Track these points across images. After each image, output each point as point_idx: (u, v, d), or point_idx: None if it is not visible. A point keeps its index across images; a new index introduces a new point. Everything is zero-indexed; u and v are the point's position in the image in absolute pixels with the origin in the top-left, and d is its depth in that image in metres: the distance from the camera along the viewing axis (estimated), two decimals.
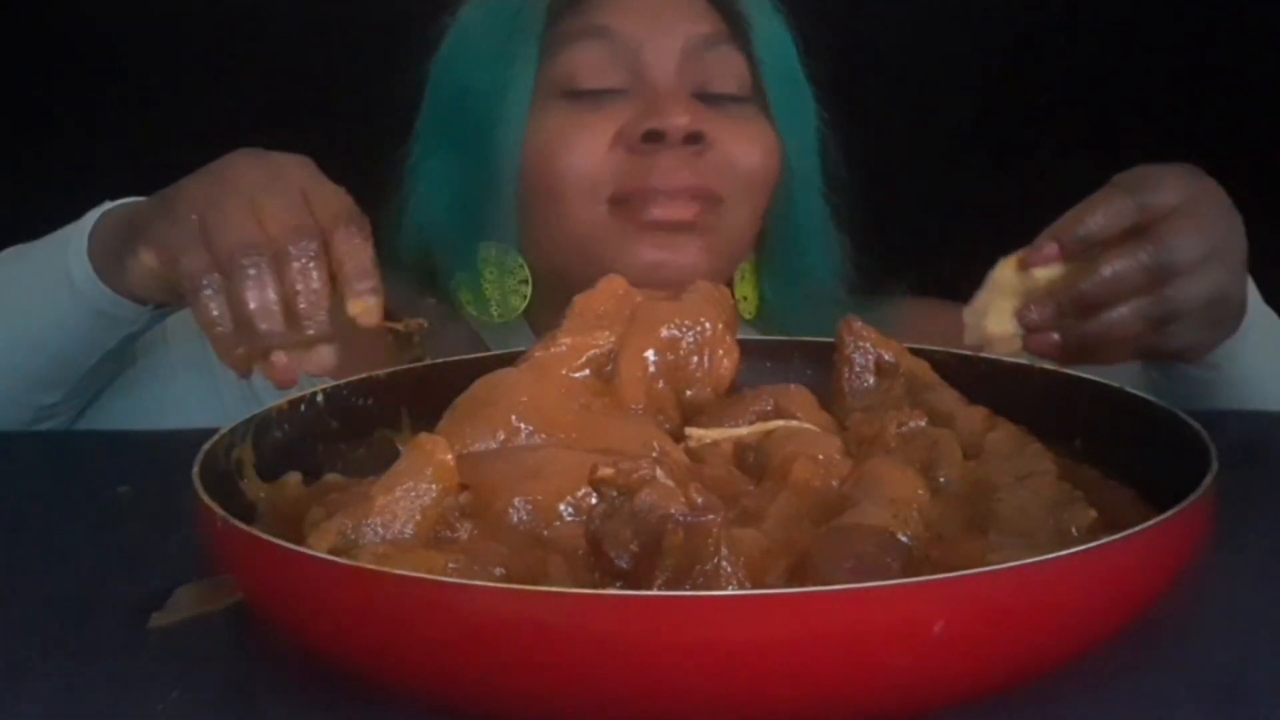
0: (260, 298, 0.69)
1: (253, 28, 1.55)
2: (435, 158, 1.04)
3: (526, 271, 1.01)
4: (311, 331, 0.70)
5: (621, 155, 0.95)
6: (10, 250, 0.92)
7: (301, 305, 0.69)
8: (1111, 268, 0.73)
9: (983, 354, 0.77)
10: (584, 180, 0.96)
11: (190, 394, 0.97)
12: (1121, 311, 0.74)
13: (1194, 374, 0.85)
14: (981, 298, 0.75)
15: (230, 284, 0.69)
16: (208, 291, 0.70)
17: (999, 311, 0.75)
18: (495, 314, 1.02)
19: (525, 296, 1.01)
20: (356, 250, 0.71)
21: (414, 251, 1.04)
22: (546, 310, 0.96)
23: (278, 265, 0.69)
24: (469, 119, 1.00)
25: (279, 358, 0.70)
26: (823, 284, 1.05)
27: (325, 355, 0.71)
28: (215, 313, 0.70)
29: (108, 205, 0.86)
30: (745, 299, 1.04)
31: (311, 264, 0.70)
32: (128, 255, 0.78)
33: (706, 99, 0.97)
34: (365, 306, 0.71)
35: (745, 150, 0.97)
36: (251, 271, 0.69)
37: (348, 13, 1.50)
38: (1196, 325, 0.76)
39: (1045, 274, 0.74)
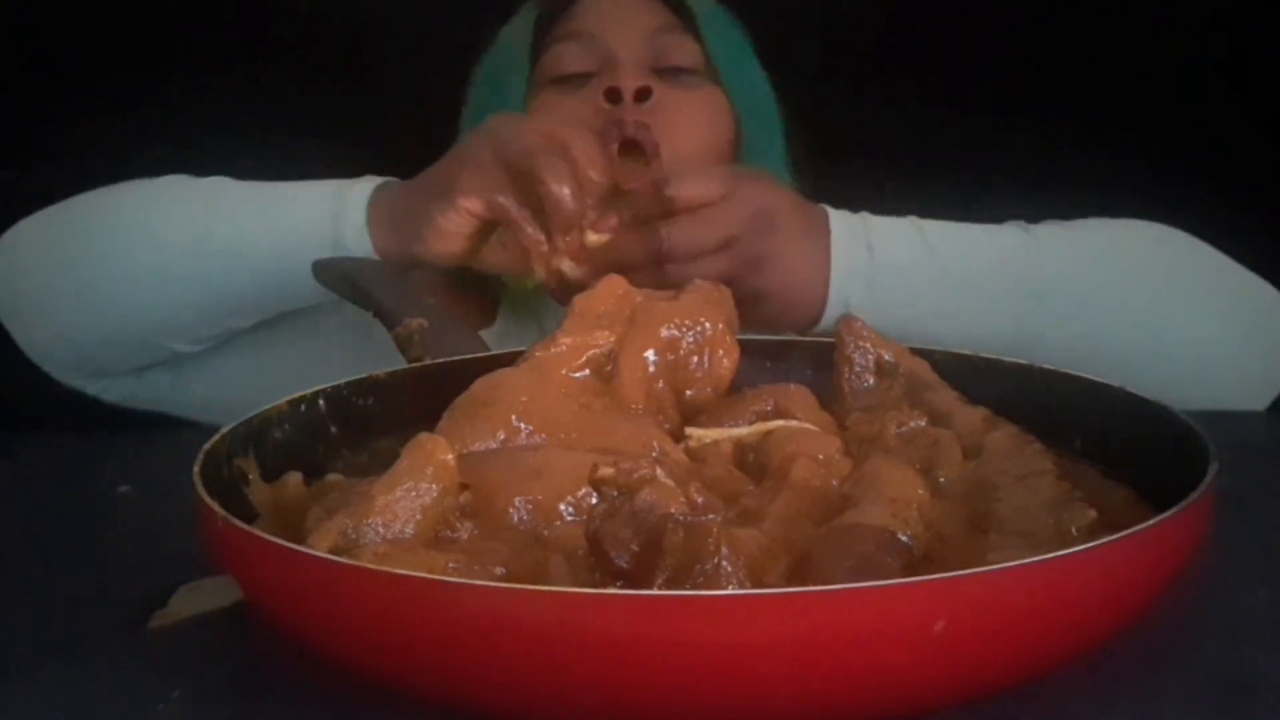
0: (564, 184, 0.90)
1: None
2: None
3: None
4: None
5: (592, 117, 1.11)
6: (229, 186, 1.08)
7: (592, 175, 0.91)
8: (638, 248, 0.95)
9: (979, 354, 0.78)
10: None
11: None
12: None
13: None
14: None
15: (542, 178, 0.90)
16: (524, 213, 0.92)
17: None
18: (528, 283, 1.17)
19: None
20: (589, 148, 0.94)
21: None
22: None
23: (567, 158, 0.91)
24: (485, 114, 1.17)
25: (586, 238, 0.91)
26: None
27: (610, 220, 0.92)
28: (532, 231, 0.92)
29: (371, 184, 1.02)
30: None
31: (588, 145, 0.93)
32: (436, 213, 0.95)
33: (665, 72, 1.15)
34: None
35: (694, 112, 1.14)
36: (551, 166, 0.90)
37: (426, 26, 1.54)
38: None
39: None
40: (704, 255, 0.95)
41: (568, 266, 0.92)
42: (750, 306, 0.95)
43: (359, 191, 1.02)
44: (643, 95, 1.10)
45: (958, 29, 1.53)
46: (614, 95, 1.10)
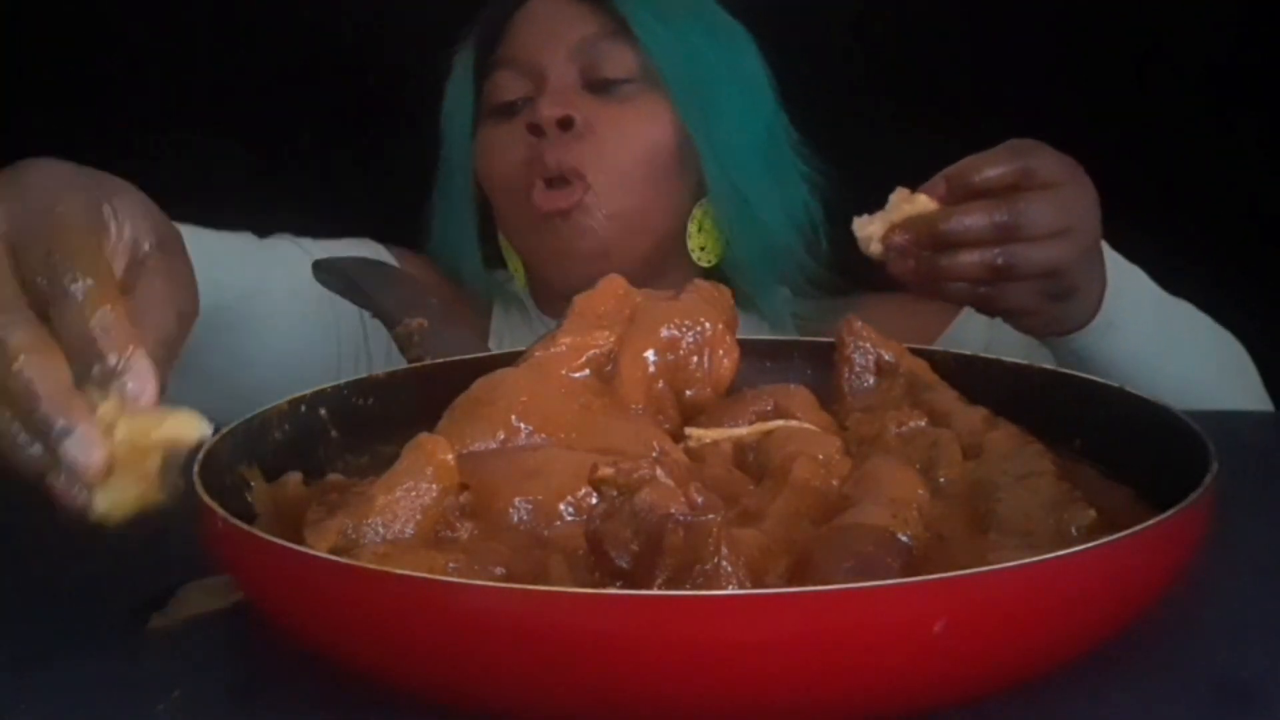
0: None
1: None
2: (440, 174, 1.23)
3: (511, 250, 1.19)
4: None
5: (526, 151, 1.11)
6: None
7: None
8: (971, 217, 0.82)
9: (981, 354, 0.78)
10: (505, 180, 1.13)
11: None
12: (967, 257, 0.83)
13: (1066, 354, 0.94)
14: (876, 216, 0.85)
15: None
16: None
17: (880, 229, 0.85)
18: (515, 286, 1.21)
19: (520, 270, 1.20)
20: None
21: (441, 247, 1.22)
22: (535, 284, 1.21)
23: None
24: (447, 143, 1.21)
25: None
26: (778, 237, 1.17)
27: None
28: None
29: None
30: (703, 249, 1.17)
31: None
32: None
33: (599, 84, 1.12)
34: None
35: (626, 126, 1.11)
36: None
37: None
38: (1029, 291, 0.85)
39: (920, 208, 0.84)
40: (1047, 239, 0.83)
41: None
42: (1055, 302, 0.88)
43: None
44: (565, 124, 1.08)
45: (979, 52, 1.52)
46: (536, 130, 1.09)
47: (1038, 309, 0.87)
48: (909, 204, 0.84)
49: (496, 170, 1.14)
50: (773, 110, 1.19)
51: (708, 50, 1.16)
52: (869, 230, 0.84)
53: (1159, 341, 0.96)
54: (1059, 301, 0.88)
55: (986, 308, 0.87)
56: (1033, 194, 0.83)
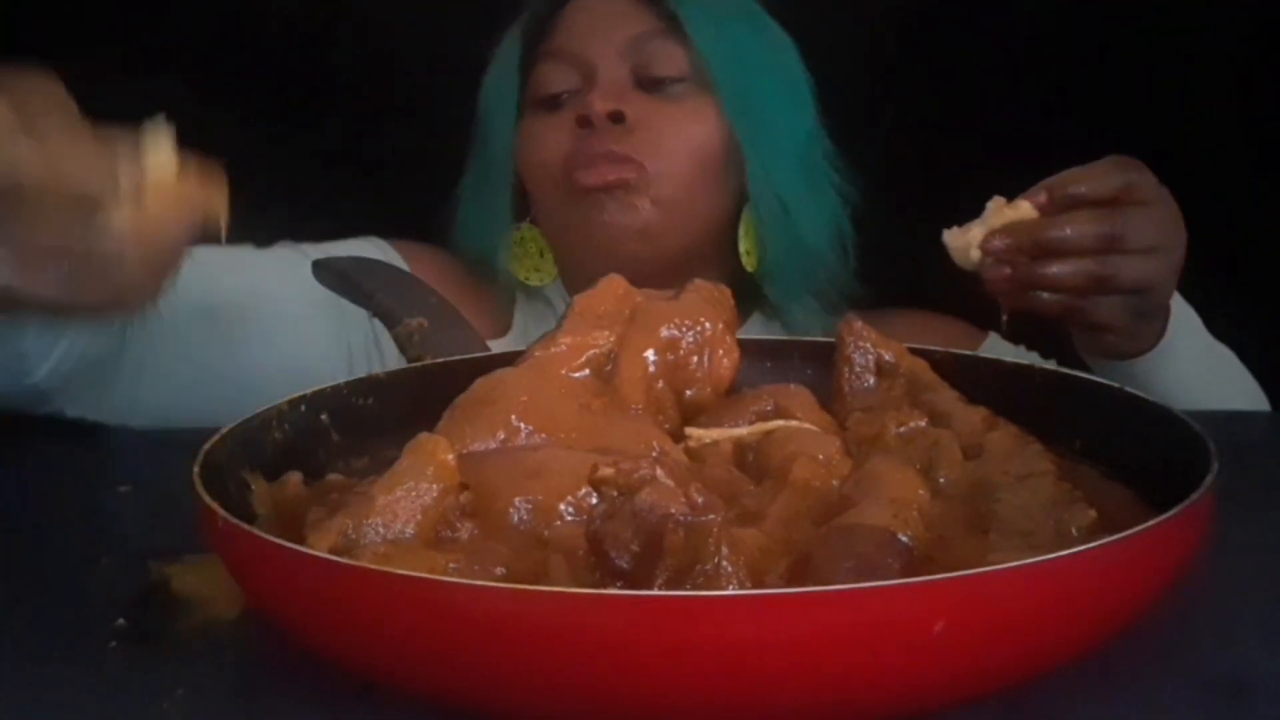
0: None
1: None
2: (474, 163, 1.23)
3: (543, 243, 1.19)
4: None
5: (572, 143, 1.11)
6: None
7: None
8: (1074, 225, 0.83)
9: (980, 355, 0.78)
10: (547, 169, 1.13)
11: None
12: (1066, 266, 0.83)
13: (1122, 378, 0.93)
14: (971, 224, 0.85)
15: None
16: None
17: (980, 236, 0.85)
18: (535, 280, 1.20)
19: (552, 263, 1.20)
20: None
21: (471, 239, 1.21)
22: (567, 274, 1.20)
23: None
24: (487, 133, 1.20)
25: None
26: (814, 246, 1.17)
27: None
28: None
29: None
30: (748, 253, 1.17)
31: None
32: None
33: (649, 82, 1.12)
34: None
35: (676, 125, 1.12)
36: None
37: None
38: (1121, 306, 0.87)
39: (1022, 214, 0.84)
40: (1144, 254, 0.85)
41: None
42: (1140, 320, 0.90)
43: None
44: (615, 119, 1.09)
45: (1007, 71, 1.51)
46: (585, 122, 1.09)
47: (1124, 325, 0.88)
48: (1010, 210, 0.84)
49: (539, 159, 1.14)
50: (813, 118, 1.19)
51: (756, 53, 1.16)
52: (966, 239, 0.84)
53: (1204, 379, 0.98)
54: (1143, 319, 0.90)
55: (1077, 319, 0.88)
56: (1133, 209, 0.84)
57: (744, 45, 1.16)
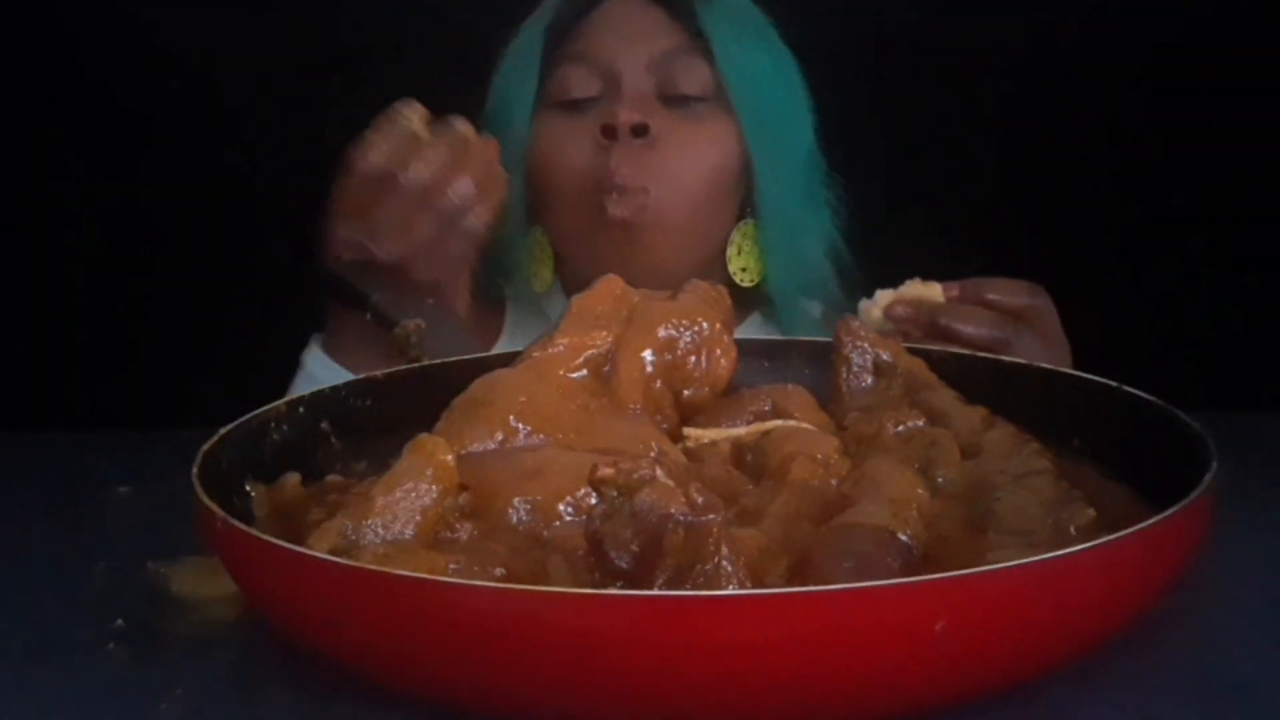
0: None
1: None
2: None
3: (549, 249, 1.18)
4: None
5: (592, 151, 1.10)
6: None
7: None
8: (971, 325, 0.92)
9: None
10: (565, 176, 1.12)
11: None
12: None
13: None
14: (884, 292, 0.94)
15: None
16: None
17: (888, 300, 0.94)
18: (536, 287, 1.19)
19: (550, 269, 1.19)
20: None
21: None
22: (569, 282, 1.18)
23: None
24: (495, 131, 1.15)
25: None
26: (814, 264, 1.19)
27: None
28: None
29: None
30: (744, 270, 1.17)
31: None
32: None
33: (672, 99, 1.13)
34: None
35: (696, 145, 1.12)
36: None
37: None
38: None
39: (932, 294, 0.93)
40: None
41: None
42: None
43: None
44: (639, 131, 1.08)
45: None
46: (609, 132, 1.09)
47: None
48: (923, 286, 0.93)
49: (557, 165, 1.13)
50: (812, 138, 1.19)
51: (773, 74, 1.17)
52: (877, 309, 0.93)
53: None
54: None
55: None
56: (1028, 329, 0.93)
57: (762, 65, 1.16)
